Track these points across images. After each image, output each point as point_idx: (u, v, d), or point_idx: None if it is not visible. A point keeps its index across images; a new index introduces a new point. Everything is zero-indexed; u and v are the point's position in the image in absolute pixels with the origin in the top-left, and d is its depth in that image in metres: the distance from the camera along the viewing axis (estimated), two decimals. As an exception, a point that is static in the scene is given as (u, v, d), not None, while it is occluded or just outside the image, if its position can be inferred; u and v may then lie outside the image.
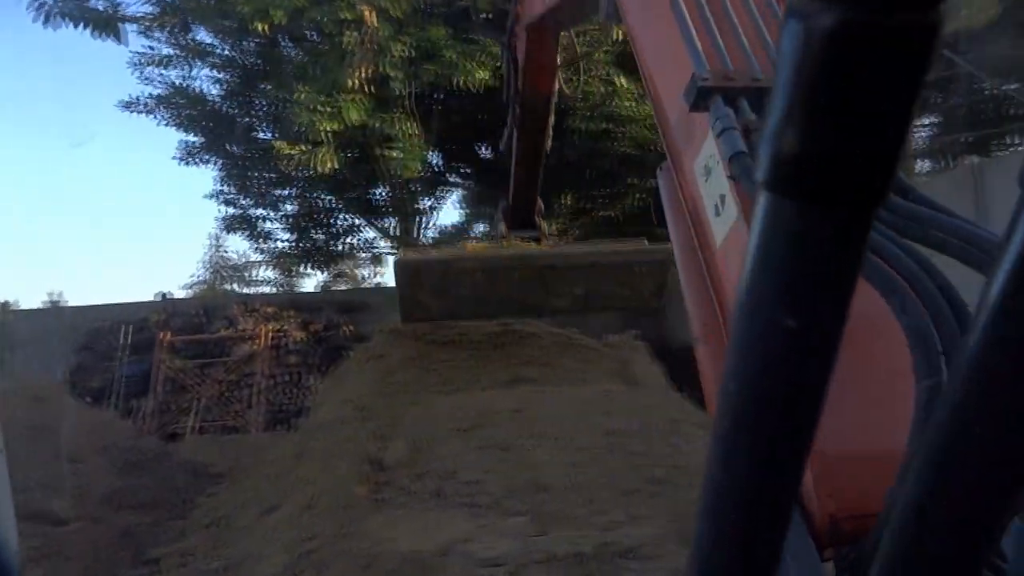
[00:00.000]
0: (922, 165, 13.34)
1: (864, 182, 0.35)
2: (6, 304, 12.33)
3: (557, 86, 5.10)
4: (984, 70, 9.00)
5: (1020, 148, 10.07)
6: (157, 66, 11.81)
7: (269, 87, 10.67)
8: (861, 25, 0.31)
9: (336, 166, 9.43)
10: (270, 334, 10.98)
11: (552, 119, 5.24)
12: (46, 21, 8.44)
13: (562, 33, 4.92)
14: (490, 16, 9.44)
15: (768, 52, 1.76)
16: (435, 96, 12.06)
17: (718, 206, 1.64)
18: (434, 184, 14.56)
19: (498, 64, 9.31)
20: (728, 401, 0.41)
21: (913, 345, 1.09)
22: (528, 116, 5.12)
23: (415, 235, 13.97)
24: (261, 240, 15.06)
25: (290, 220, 14.96)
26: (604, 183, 12.98)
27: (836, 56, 0.32)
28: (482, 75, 9.19)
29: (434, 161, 13.69)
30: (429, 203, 15.32)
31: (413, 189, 13.23)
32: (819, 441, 1.38)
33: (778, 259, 0.37)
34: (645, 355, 6.62)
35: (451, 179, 14.93)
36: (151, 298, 12.33)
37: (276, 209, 14.74)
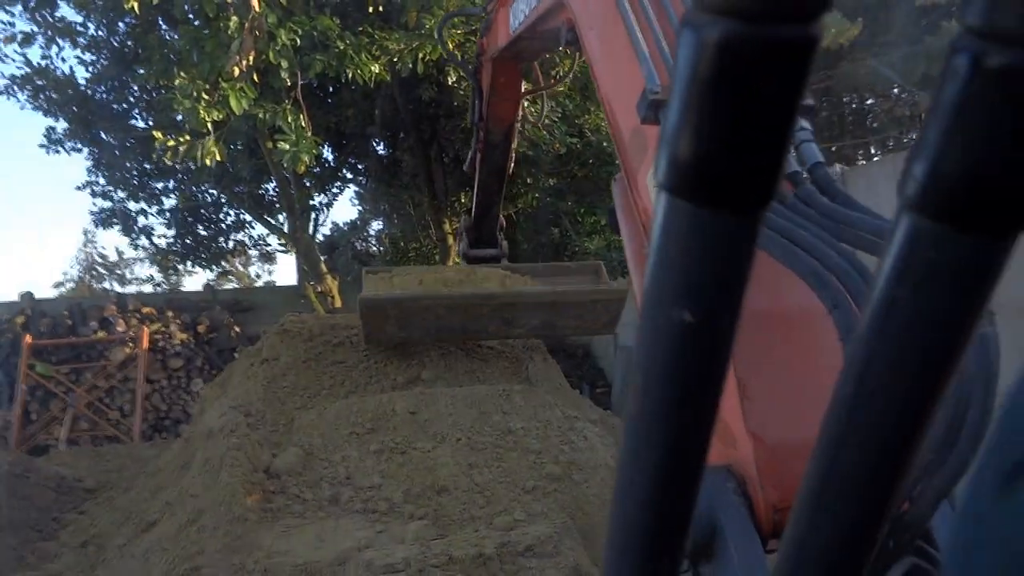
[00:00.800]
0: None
1: (750, 186, 0.36)
2: None
3: (521, 113, 5.39)
4: (848, 86, 9.77)
5: (877, 157, 10.97)
6: (15, 43, 10.80)
7: (144, 72, 9.98)
8: (746, 38, 0.33)
9: (221, 158, 8.96)
10: (149, 336, 10.29)
11: (515, 143, 5.53)
12: None
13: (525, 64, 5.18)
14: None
15: None
16: (327, 88, 11.70)
17: None
18: (327, 179, 14.16)
19: (393, 59, 9.16)
20: (635, 392, 0.43)
21: (838, 324, 1.16)
22: (492, 141, 5.39)
23: (309, 231, 13.52)
24: (139, 236, 14.12)
25: (171, 215, 14.10)
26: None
27: (724, 66, 0.34)
28: (375, 69, 9.00)
29: (327, 156, 13.30)
30: (322, 199, 14.89)
31: (305, 184, 12.79)
32: (762, 432, 1.44)
33: (675, 258, 0.39)
34: (541, 353, 6.72)
35: (345, 175, 14.58)
36: (14, 298, 11.26)
37: (156, 203, 13.85)
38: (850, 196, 1.54)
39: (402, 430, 5.02)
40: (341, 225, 18.73)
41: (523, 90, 5.37)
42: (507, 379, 6.09)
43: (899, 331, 0.38)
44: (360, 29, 9.48)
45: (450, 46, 7.75)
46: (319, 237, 15.65)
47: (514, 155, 5.70)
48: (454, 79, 10.54)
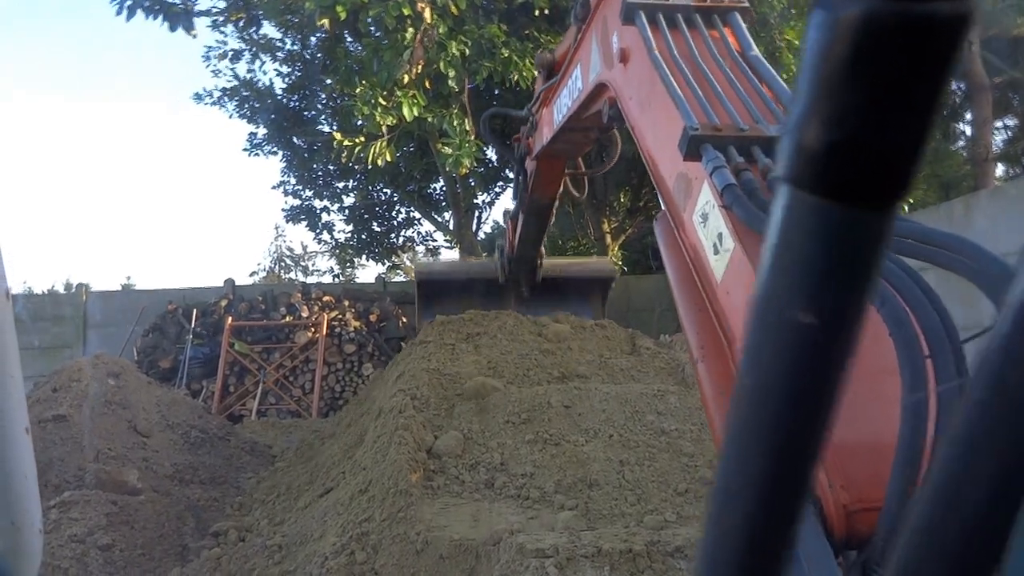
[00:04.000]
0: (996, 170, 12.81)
1: (887, 177, 0.34)
2: (84, 286, 12.98)
3: (562, 188, 5.65)
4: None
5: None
6: (227, 60, 12.25)
7: (331, 81, 10.93)
8: (888, 14, 0.30)
9: (391, 159, 9.62)
10: (328, 322, 11.26)
11: (556, 204, 5.96)
12: (129, 15, 8.83)
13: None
14: (546, 13, 9.45)
15: (746, 106, 2.03)
16: (492, 92, 12.13)
17: (716, 244, 1.81)
18: (490, 179, 14.67)
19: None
20: (743, 396, 0.40)
21: (901, 358, 1.12)
22: (532, 210, 5.81)
23: (472, 229, 14.10)
24: (322, 231, 15.47)
25: (350, 212, 15.29)
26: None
27: (862, 46, 0.31)
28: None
29: (490, 157, 13.78)
30: (485, 198, 15.45)
31: (469, 184, 13.35)
32: (832, 431, 1.40)
33: (797, 254, 0.36)
34: (699, 355, 6.56)
35: (507, 175, 15.02)
36: (218, 284, 12.78)
37: (337, 201, 15.09)
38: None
39: (556, 423, 5.13)
40: (502, 224, 19.31)
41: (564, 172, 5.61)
42: (663, 379, 6.02)
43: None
44: (526, 33, 9.74)
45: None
46: (481, 234, 16.27)
47: (555, 213, 6.11)
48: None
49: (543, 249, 6.99)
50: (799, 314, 0.36)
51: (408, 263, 21.20)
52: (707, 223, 1.86)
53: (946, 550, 0.40)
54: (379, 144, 9.20)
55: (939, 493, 0.40)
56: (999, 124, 14.54)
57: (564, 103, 4.16)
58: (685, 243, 2.00)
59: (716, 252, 1.79)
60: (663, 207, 2.22)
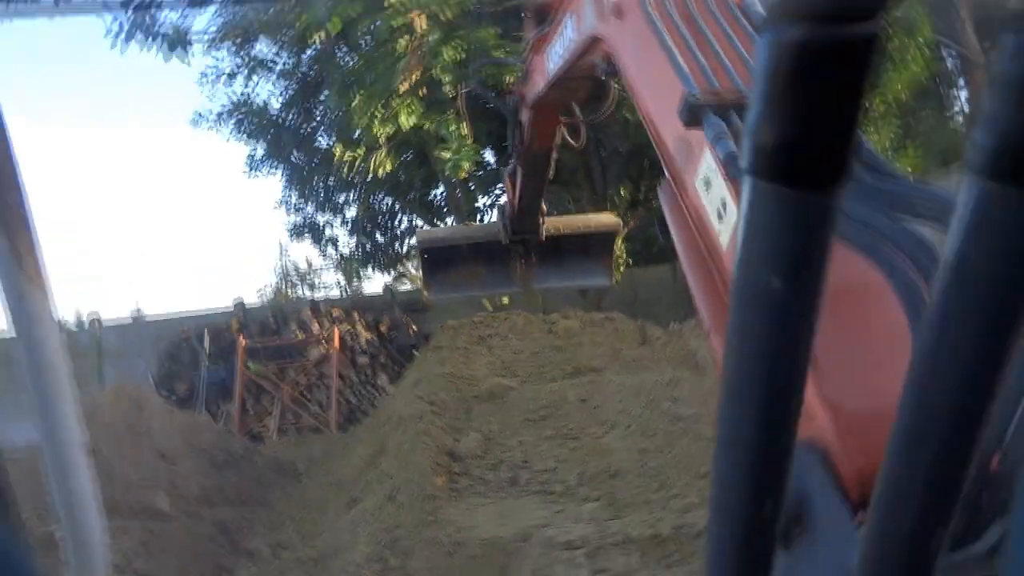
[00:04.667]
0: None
1: (827, 166, 0.41)
2: (96, 319, 13.09)
3: (559, 138, 5.40)
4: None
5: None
6: (222, 81, 12.35)
7: (327, 95, 11.02)
8: (818, 38, 0.38)
9: (391, 169, 9.70)
10: (340, 336, 11.35)
11: (555, 156, 5.65)
12: (123, 47, 8.94)
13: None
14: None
15: (748, 67, 1.96)
16: (487, 95, 12.20)
17: (720, 211, 1.78)
18: (490, 182, 14.73)
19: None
20: (731, 352, 0.48)
21: (907, 308, 1.20)
22: (531, 162, 5.56)
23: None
24: (327, 245, 15.57)
25: (352, 224, 15.39)
26: (660, 173, 12.87)
27: (800, 63, 0.39)
28: (532, 72, 9.27)
29: (489, 159, 13.84)
30: (486, 200, 15.51)
31: (469, 188, 13.42)
32: (841, 400, 1.45)
33: (763, 232, 0.43)
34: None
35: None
36: (228, 306, 12.88)
37: (339, 214, 15.19)
38: (893, 167, 1.55)
39: (574, 417, 5.20)
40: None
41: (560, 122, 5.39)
42: (675, 367, 6.08)
43: (971, 289, 0.42)
44: (518, 35, 9.80)
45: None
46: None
47: (553, 165, 5.80)
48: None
49: (544, 206, 6.81)
50: (769, 279, 0.44)
51: (413, 271, 21.28)
52: (710, 189, 1.84)
53: (915, 482, 0.47)
54: (380, 155, 9.28)
55: (904, 427, 0.48)
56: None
57: (556, 53, 4.02)
58: (688, 208, 1.98)
59: (720, 218, 1.79)
60: (665, 171, 2.19)
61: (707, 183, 1.84)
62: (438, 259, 7.18)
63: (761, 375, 0.47)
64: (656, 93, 2.25)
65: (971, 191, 0.42)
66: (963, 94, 13.99)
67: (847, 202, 1.39)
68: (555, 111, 5.16)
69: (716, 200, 1.80)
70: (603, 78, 3.27)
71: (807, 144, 0.41)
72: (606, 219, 8.08)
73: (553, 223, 7.29)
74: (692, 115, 1.82)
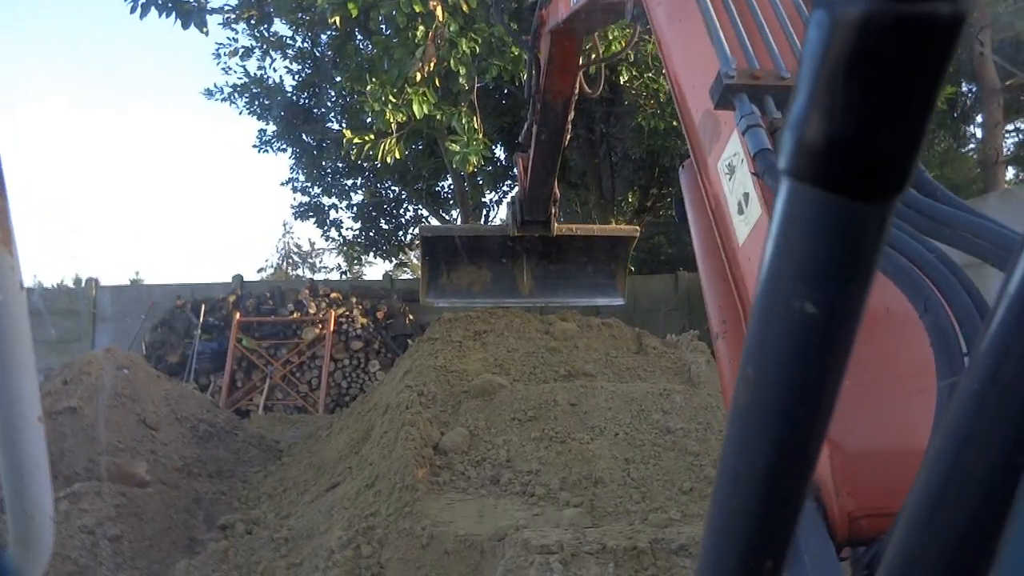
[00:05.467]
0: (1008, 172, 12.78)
1: (884, 172, 0.35)
2: (94, 281, 13.06)
3: (578, 87, 5.11)
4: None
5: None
6: (237, 57, 12.31)
7: (341, 79, 10.98)
8: (885, 14, 0.31)
9: (399, 156, 9.67)
10: (335, 319, 11.31)
11: (572, 115, 5.36)
12: (143, 12, 8.88)
13: (586, 36, 5.00)
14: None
15: (795, 51, 1.75)
16: (502, 91, 12.16)
17: (741, 204, 1.64)
18: (498, 177, 14.69)
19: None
20: (746, 383, 0.41)
21: (936, 344, 1.09)
22: (548, 114, 5.22)
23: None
24: (330, 228, 15.54)
25: (358, 209, 15.35)
26: (669, 181, 12.87)
27: (861, 45, 0.32)
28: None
29: (499, 155, 13.80)
30: (493, 196, 15.48)
31: (477, 182, 13.38)
32: (841, 438, 1.38)
33: (798, 246, 0.37)
34: (705, 355, 6.57)
35: (515, 174, 15.06)
36: (227, 280, 12.85)
37: (345, 198, 15.16)
38: (941, 187, 1.40)
39: (562, 420, 5.15)
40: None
41: (580, 63, 5.06)
42: (669, 379, 6.04)
43: None
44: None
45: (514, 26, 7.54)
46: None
47: (570, 128, 5.49)
48: (626, 78, 10.54)
49: (557, 192, 6.27)
50: (801, 304, 0.37)
51: (415, 261, 21.24)
52: (733, 177, 1.69)
53: (938, 547, 0.40)
54: (389, 141, 9.24)
55: (932, 487, 0.40)
56: (1010, 127, 14.48)
57: None
58: (707, 189, 1.82)
59: (740, 212, 1.64)
60: (687, 143, 1.99)
61: (731, 169, 1.70)
62: (441, 259, 6.79)
63: (779, 412, 0.40)
64: (687, 54, 2.05)
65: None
66: (979, 131, 13.95)
67: None
68: (574, 45, 4.80)
69: (739, 191, 1.66)
70: (629, 20, 2.97)
71: (865, 145, 0.34)
72: (622, 228, 7.51)
73: (566, 226, 7.06)
74: (724, 97, 1.64)
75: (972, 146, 15.06)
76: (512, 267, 6.79)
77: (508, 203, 6.69)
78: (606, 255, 6.97)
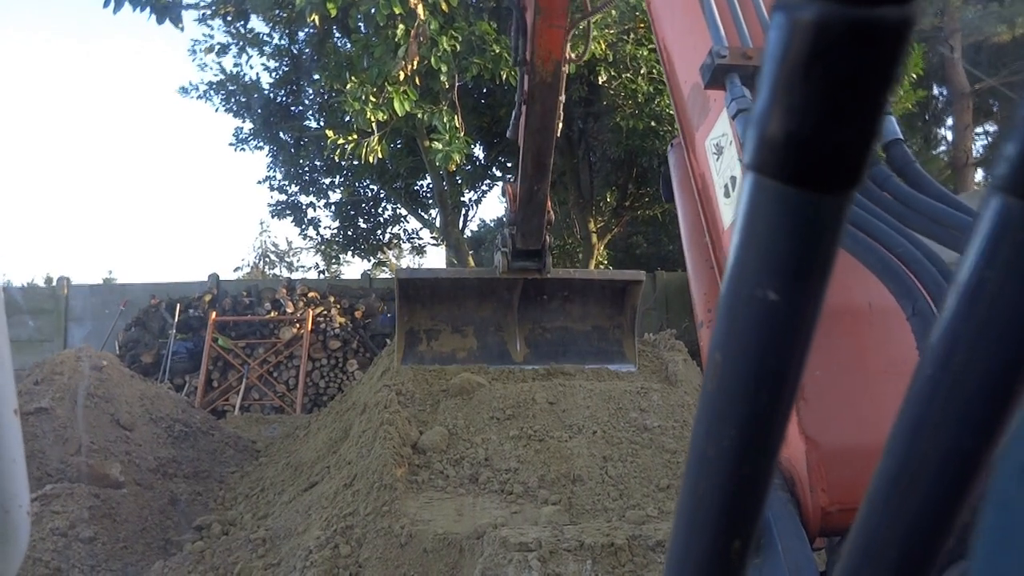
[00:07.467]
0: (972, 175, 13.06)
1: (840, 166, 0.36)
2: (65, 279, 12.84)
3: (567, 56, 4.63)
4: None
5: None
6: (213, 53, 12.19)
7: (319, 77, 10.92)
8: (841, 18, 0.33)
9: (383, 156, 9.64)
10: (313, 318, 11.23)
11: (563, 96, 4.87)
12: (117, 6, 8.75)
13: None
14: None
15: None
16: (482, 90, 12.17)
17: (728, 187, 1.64)
18: (478, 177, 14.69)
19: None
20: (714, 368, 0.43)
21: (916, 330, 1.12)
22: (538, 86, 4.71)
23: (459, 227, 14.13)
24: (308, 227, 15.42)
25: (336, 208, 15.26)
26: (647, 181, 12.96)
27: (816, 47, 0.34)
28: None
29: (478, 154, 13.80)
30: (472, 195, 15.47)
31: (456, 181, 13.37)
32: (818, 436, 1.39)
33: (760, 237, 0.38)
34: (682, 354, 6.64)
35: (495, 173, 15.07)
36: (203, 279, 12.70)
37: (323, 196, 15.05)
38: (930, 179, 1.40)
39: (540, 419, 5.18)
40: (488, 222, 19.38)
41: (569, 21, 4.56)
42: (646, 377, 6.09)
43: (986, 315, 0.38)
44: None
45: None
46: (468, 232, 16.28)
47: (561, 115, 4.94)
48: (604, 79, 10.60)
49: (551, 212, 5.49)
50: (763, 292, 0.39)
51: (394, 260, 21.15)
52: (721, 158, 1.67)
53: (898, 529, 0.43)
54: (372, 141, 9.21)
55: (890, 471, 0.43)
56: (979, 130, 14.81)
57: None
58: (694, 168, 1.80)
59: (727, 195, 1.64)
60: (675, 116, 1.96)
61: (718, 149, 1.69)
62: (419, 317, 5.80)
63: (743, 397, 0.42)
64: (677, 22, 2.02)
65: (994, 208, 0.37)
66: (949, 133, 14.24)
67: (865, 211, 1.31)
68: (563, 8, 4.40)
69: (726, 174, 1.65)
70: None
71: (821, 140, 0.36)
72: (627, 272, 6.42)
73: (563, 269, 6.15)
74: (716, 76, 1.61)
75: (943, 148, 15.37)
76: (503, 334, 6.05)
77: (496, 244, 5.85)
78: (610, 309, 6.15)
